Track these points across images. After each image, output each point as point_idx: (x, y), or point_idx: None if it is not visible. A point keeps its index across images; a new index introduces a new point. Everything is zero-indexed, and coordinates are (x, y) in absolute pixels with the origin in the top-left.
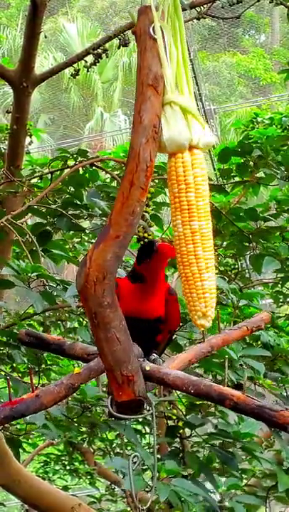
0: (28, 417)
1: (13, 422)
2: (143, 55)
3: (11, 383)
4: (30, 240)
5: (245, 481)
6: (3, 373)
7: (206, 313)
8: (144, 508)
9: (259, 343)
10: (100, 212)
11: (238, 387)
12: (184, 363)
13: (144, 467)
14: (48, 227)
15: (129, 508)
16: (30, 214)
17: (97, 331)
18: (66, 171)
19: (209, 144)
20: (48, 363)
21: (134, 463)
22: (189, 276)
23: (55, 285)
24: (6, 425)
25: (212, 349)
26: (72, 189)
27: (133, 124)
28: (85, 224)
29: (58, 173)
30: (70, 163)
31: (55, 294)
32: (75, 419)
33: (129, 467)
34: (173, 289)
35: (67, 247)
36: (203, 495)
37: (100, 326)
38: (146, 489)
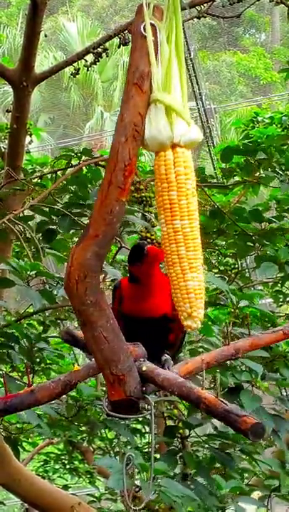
0: (25, 416)
1: (12, 421)
2: (133, 54)
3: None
4: (33, 239)
5: (246, 481)
6: (0, 372)
7: (192, 314)
8: (138, 508)
9: None
10: None
11: (236, 389)
12: (195, 366)
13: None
14: (52, 226)
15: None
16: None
17: (84, 329)
18: (69, 170)
19: (193, 141)
20: (48, 362)
21: (128, 464)
22: (174, 277)
23: (54, 284)
24: (6, 424)
25: (236, 353)
26: (75, 188)
27: (116, 122)
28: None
29: (60, 172)
30: (74, 162)
31: (54, 292)
32: (71, 419)
33: (124, 467)
34: None
35: (69, 246)
36: (192, 496)
37: (86, 324)
38: (136, 489)
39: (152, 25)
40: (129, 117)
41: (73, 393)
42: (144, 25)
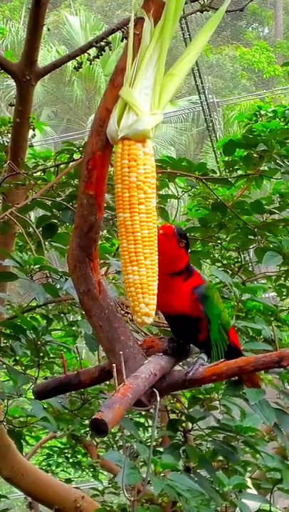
0: (29, 409)
1: (15, 415)
2: (124, 50)
3: (9, 376)
4: (35, 232)
5: (248, 474)
6: (5, 366)
7: (134, 308)
8: (133, 499)
9: (261, 337)
10: (105, 204)
11: (240, 382)
12: (229, 367)
13: (142, 461)
14: (53, 220)
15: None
16: (34, 207)
17: (85, 315)
18: (71, 164)
19: (139, 132)
20: (52, 356)
21: (130, 455)
22: (122, 269)
23: (58, 277)
24: (9, 418)
25: (280, 360)
26: (77, 182)
27: None
28: None
29: (63, 166)
30: (76, 156)
31: (58, 286)
32: (76, 412)
33: (125, 461)
34: (201, 287)
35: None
36: (200, 490)
37: (85, 311)
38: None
39: (143, 19)
40: (97, 112)
41: None
42: (135, 20)
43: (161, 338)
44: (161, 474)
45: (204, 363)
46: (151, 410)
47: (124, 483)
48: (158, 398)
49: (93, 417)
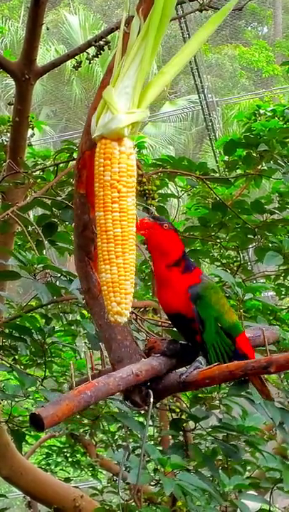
0: (32, 409)
1: (15, 414)
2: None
3: (16, 375)
4: (36, 231)
5: (248, 473)
6: (7, 365)
7: (107, 306)
8: (128, 498)
9: None
10: None
11: (245, 381)
12: (213, 373)
13: (147, 460)
14: (53, 219)
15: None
16: (33, 206)
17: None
18: (71, 163)
19: (113, 131)
20: (53, 355)
21: (129, 454)
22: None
23: (59, 276)
24: (10, 417)
25: (268, 366)
26: None
27: None
28: None
29: (62, 165)
30: (76, 155)
31: (58, 284)
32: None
33: (122, 461)
34: (197, 286)
35: (70, 238)
36: (208, 489)
37: (88, 309)
38: (152, 483)
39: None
40: (89, 113)
41: None
42: (127, 19)
43: (163, 339)
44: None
45: (200, 366)
46: (151, 410)
47: (134, 483)
48: (151, 399)
49: (32, 411)
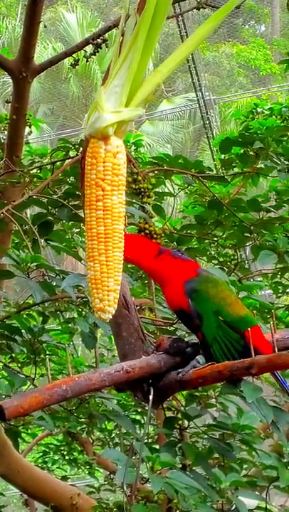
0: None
1: None
2: None
3: (6, 374)
4: (31, 230)
5: (244, 472)
6: (1, 364)
7: (91, 303)
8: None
9: None
10: None
11: (238, 380)
12: (205, 373)
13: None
14: (49, 218)
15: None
16: (30, 204)
17: None
18: (67, 161)
19: (98, 130)
20: (48, 353)
21: (126, 452)
22: None
23: (54, 275)
24: None
25: (251, 367)
26: (73, 179)
27: None
28: None
29: (59, 163)
30: (72, 153)
31: (54, 284)
32: (73, 410)
33: (124, 459)
34: (192, 281)
35: (66, 237)
36: (198, 487)
37: None
38: (142, 481)
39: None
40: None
41: None
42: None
43: (170, 337)
44: (158, 472)
45: (197, 365)
46: (151, 406)
47: (121, 481)
48: (151, 396)
49: None
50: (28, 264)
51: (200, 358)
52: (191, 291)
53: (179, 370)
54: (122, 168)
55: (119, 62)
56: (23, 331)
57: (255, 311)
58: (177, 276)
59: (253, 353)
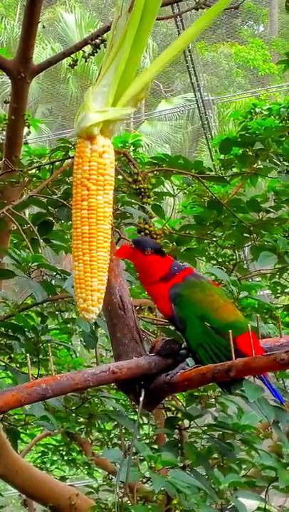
0: (27, 408)
1: (10, 412)
2: None
3: (10, 374)
4: (31, 229)
5: (244, 472)
6: (2, 364)
7: (76, 302)
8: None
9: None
10: None
11: (240, 379)
12: (190, 375)
13: (141, 458)
14: (49, 218)
15: (126, 499)
16: (29, 204)
17: None
18: (67, 161)
19: (83, 130)
20: (48, 353)
21: (131, 454)
22: None
23: (54, 275)
24: (5, 415)
25: (229, 370)
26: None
27: None
28: None
29: (58, 163)
30: (72, 153)
31: (53, 283)
32: (73, 410)
33: (123, 459)
34: (176, 286)
35: (65, 237)
36: (200, 486)
37: None
38: (142, 480)
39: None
40: None
41: None
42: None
43: (163, 339)
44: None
45: (185, 367)
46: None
47: (122, 480)
48: (141, 398)
49: None
50: (29, 264)
51: (190, 360)
52: (174, 297)
53: (169, 372)
54: (109, 168)
55: (108, 62)
56: (26, 330)
57: (254, 312)
58: (165, 288)
59: (233, 357)
